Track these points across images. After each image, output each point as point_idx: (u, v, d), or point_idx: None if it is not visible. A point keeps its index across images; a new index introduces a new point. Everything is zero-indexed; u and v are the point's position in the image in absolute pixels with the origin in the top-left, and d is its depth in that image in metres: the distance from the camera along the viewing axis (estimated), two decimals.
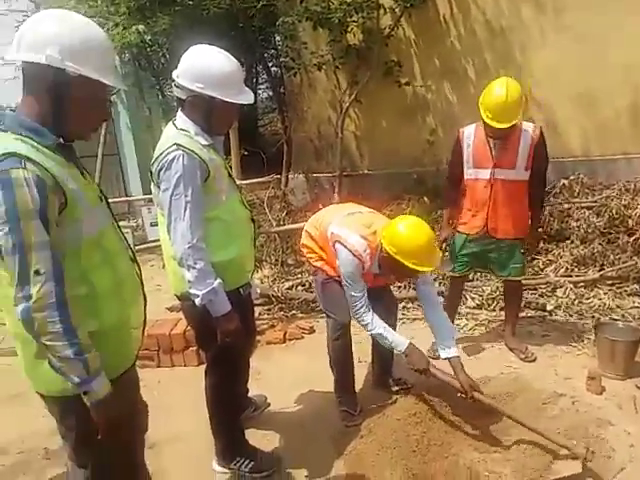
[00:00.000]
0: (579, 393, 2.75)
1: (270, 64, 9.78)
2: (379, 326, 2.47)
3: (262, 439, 2.61)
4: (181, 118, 2.08)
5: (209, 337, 2.14)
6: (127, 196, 7.60)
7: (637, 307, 3.64)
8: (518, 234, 3.08)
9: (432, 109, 6.07)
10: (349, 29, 5.60)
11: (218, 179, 2.09)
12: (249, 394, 2.82)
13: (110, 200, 1.66)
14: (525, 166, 2.96)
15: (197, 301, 2.02)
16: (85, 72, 1.34)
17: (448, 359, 2.51)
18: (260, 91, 12.14)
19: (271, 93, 10.67)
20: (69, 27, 1.36)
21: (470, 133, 3.05)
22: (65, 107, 1.37)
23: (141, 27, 6.04)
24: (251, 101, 2.10)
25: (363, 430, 2.58)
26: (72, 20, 1.38)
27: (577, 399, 2.69)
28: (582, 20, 5.16)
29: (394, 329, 2.69)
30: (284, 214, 5.52)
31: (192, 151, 1.98)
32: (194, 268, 1.98)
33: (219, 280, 2.03)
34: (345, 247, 2.41)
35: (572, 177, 5.07)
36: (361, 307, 2.45)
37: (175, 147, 1.97)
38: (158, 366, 3.43)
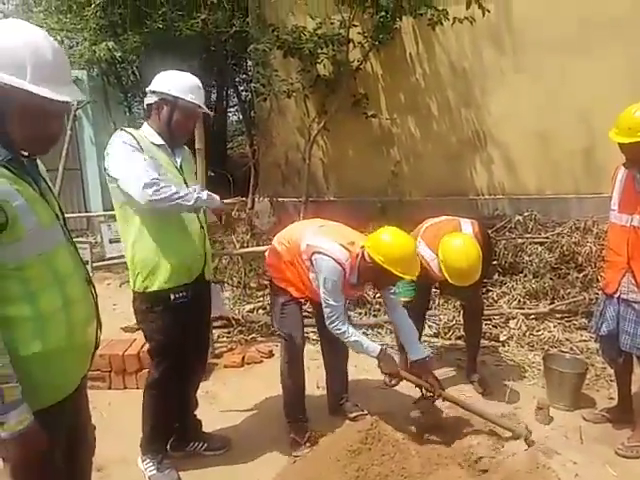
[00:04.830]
0: (528, 423, 2.82)
1: (241, 88, 9.88)
2: (354, 334, 2.53)
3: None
4: (144, 127, 2.29)
5: (156, 333, 2.29)
6: (87, 212, 7.39)
7: (585, 340, 3.79)
8: None
9: (397, 142, 6.26)
10: (319, 60, 5.74)
11: (162, 176, 2.16)
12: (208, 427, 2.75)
13: (69, 215, 1.63)
14: None
15: (196, 202, 2.14)
16: (26, 86, 1.24)
17: (416, 361, 2.64)
18: (230, 114, 12.21)
19: (241, 117, 10.71)
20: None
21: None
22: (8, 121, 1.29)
23: (111, 44, 6.02)
24: (202, 109, 2.32)
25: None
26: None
27: None
28: (539, 61, 5.48)
29: None
30: (248, 236, 5.49)
31: (135, 138, 2.15)
32: (165, 196, 2.05)
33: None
34: (327, 256, 2.45)
35: (526, 214, 5.30)
36: (338, 316, 2.50)
37: (119, 130, 2.18)
38: (109, 388, 3.31)
